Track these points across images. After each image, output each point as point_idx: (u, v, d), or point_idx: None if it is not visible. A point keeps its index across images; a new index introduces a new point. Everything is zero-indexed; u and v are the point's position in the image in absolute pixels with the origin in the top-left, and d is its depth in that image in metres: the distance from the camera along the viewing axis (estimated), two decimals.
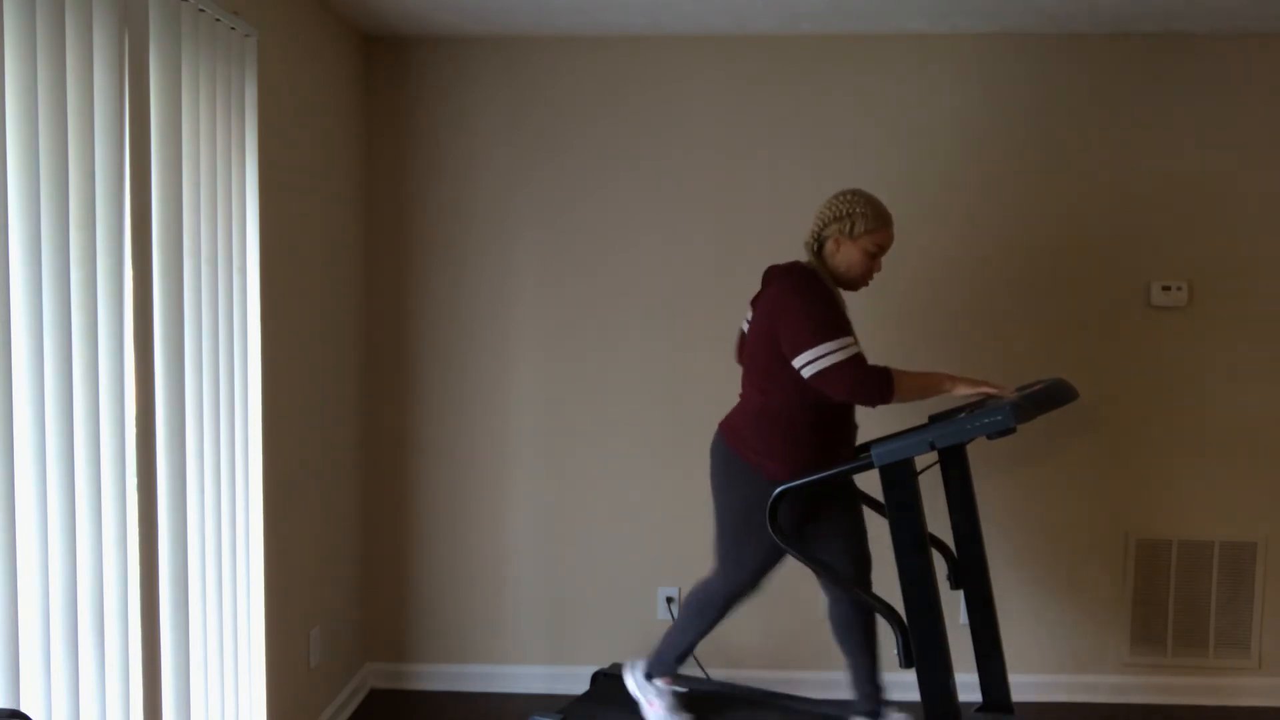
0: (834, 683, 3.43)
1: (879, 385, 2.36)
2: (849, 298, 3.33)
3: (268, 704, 2.68)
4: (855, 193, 2.51)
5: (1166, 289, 3.32)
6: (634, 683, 2.83)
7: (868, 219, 2.48)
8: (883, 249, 2.51)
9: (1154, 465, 3.37)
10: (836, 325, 2.40)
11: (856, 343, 2.41)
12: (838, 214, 2.50)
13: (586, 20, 3.18)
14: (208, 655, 2.37)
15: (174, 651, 2.19)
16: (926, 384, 2.40)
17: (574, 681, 3.47)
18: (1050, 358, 3.36)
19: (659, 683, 2.80)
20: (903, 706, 3.35)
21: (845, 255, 2.51)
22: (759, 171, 3.36)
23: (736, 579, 2.59)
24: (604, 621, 3.48)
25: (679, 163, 3.38)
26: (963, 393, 2.39)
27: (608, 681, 3.09)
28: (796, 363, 2.41)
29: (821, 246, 2.55)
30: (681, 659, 2.77)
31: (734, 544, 2.57)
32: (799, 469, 2.49)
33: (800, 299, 2.43)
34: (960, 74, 3.32)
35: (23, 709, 1.69)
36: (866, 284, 2.60)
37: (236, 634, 2.53)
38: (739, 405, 2.61)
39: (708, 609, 2.66)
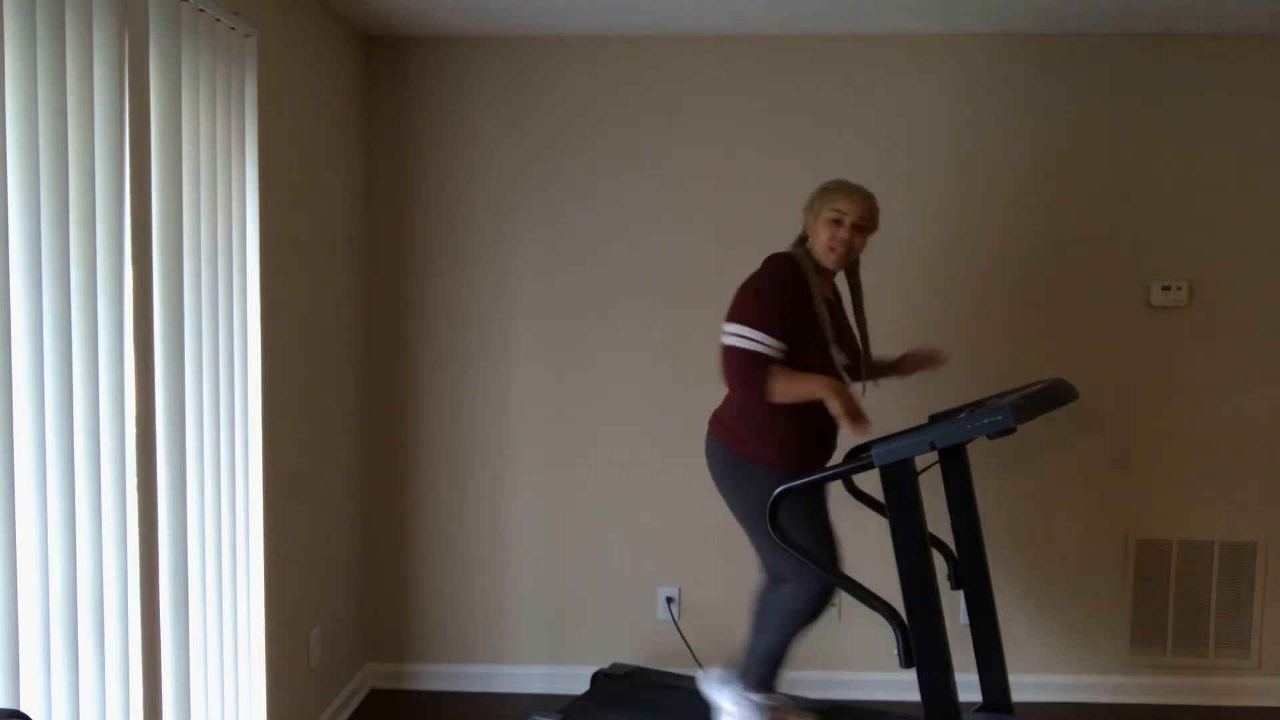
0: (834, 682, 3.43)
1: (756, 383, 2.41)
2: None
3: (268, 704, 2.68)
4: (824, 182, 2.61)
5: (1166, 289, 3.32)
6: (727, 698, 2.67)
7: (825, 191, 2.55)
8: (844, 214, 2.50)
9: (1154, 465, 3.37)
10: (762, 315, 2.43)
11: (772, 342, 2.40)
12: (808, 202, 2.59)
13: (586, 20, 3.18)
14: (208, 655, 2.37)
15: (174, 651, 2.18)
16: (804, 390, 2.40)
17: (574, 681, 3.47)
18: (1050, 358, 3.36)
19: (756, 696, 2.63)
20: (903, 706, 3.35)
21: (815, 235, 2.55)
22: (759, 171, 3.36)
23: (808, 581, 2.49)
24: (604, 621, 3.48)
25: (679, 162, 3.38)
26: (832, 409, 2.36)
27: (608, 681, 3.09)
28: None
29: (805, 240, 2.60)
30: (776, 668, 2.61)
31: (777, 549, 2.51)
32: (794, 452, 2.49)
33: (750, 280, 2.52)
34: (960, 74, 3.32)
35: (23, 709, 1.69)
36: (844, 258, 2.52)
37: (236, 634, 2.53)
38: (726, 396, 2.63)
39: (790, 618, 2.54)
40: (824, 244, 2.52)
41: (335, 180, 3.17)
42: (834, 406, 2.35)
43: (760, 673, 2.61)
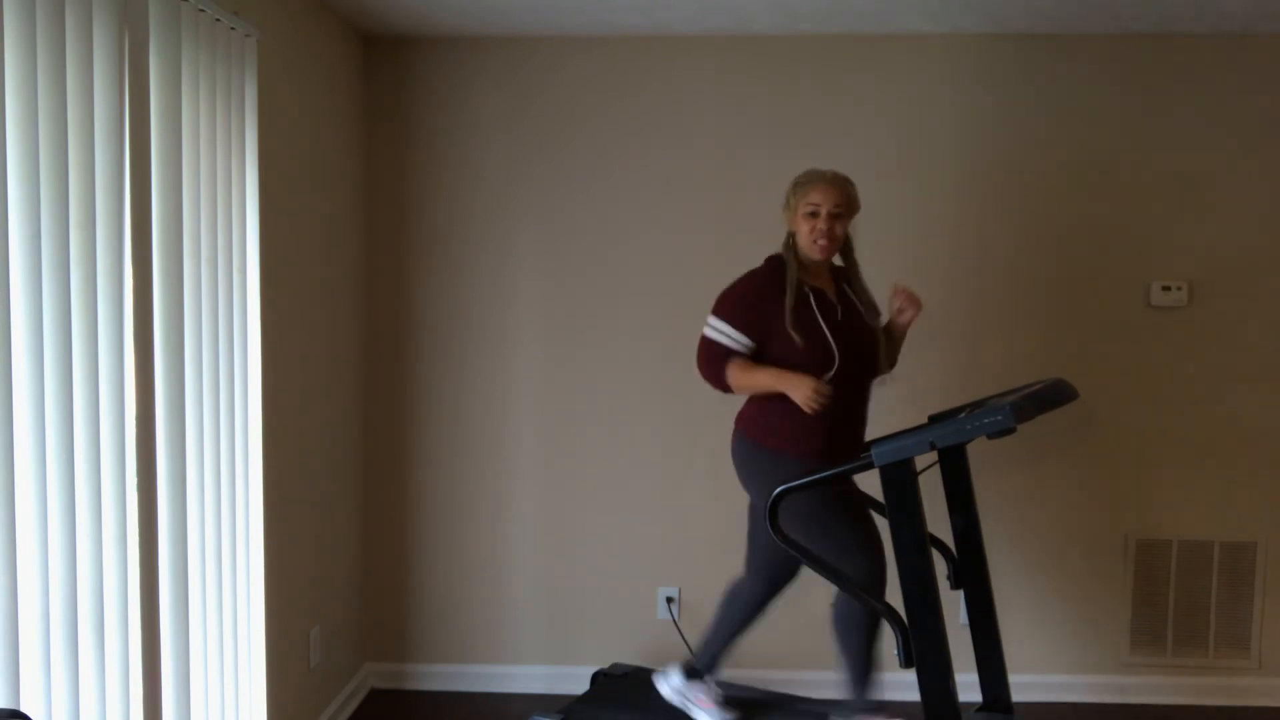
0: (835, 682, 3.42)
1: (715, 373, 2.54)
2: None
3: (268, 704, 2.68)
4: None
5: (1166, 289, 3.32)
6: (671, 687, 2.82)
7: (796, 186, 2.57)
8: (818, 205, 2.50)
9: (1154, 465, 3.37)
10: (732, 309, 2.53)
11: (736, 335, 2.50)
12: (783, 203, 2.62)
13: (586, 20, 3.18)
14: (208, 655, 2.37)
15: (174, 651, 2.18)
16: (758, 382, 2.50)
17: (574, 681, 3.47)
18: (1050, 358, 3.36)
19: (693, 684, 2.78)
20: (903, 706, 3.35)
21: (796, 231, 2.57)
22: (759, 170, 3.35)
23: (848, 563, 2.50)
24: (604, 621, 3.48)
25: (679, 162, 3.38)
26: (796, 398, 2.43)
27: (608, 681, 3.09)
28: None
29: (792, 239, 2.60)
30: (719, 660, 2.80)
31: (810, 538, 2.49)
32: (818, 448, 2.48)
33: (735, 281, 2.60)
34: (960, 74, 3.32)
35: (23, 709, 1.69)
36: (830, 248, 2.53)
37: (236, 634, 2.53)
38: (749, 397, 2.64)
39: (744, 611, 2.75)
40: (806, 238, 2.53)
41: (335, 180, 3.17)
42: (795, 396, 2.42)
43: (708, 661, 2.77)
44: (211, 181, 2.35)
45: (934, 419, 2.58)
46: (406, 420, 3.48)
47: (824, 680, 3.43)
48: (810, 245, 2.52)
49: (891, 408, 3.33)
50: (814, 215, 2.51)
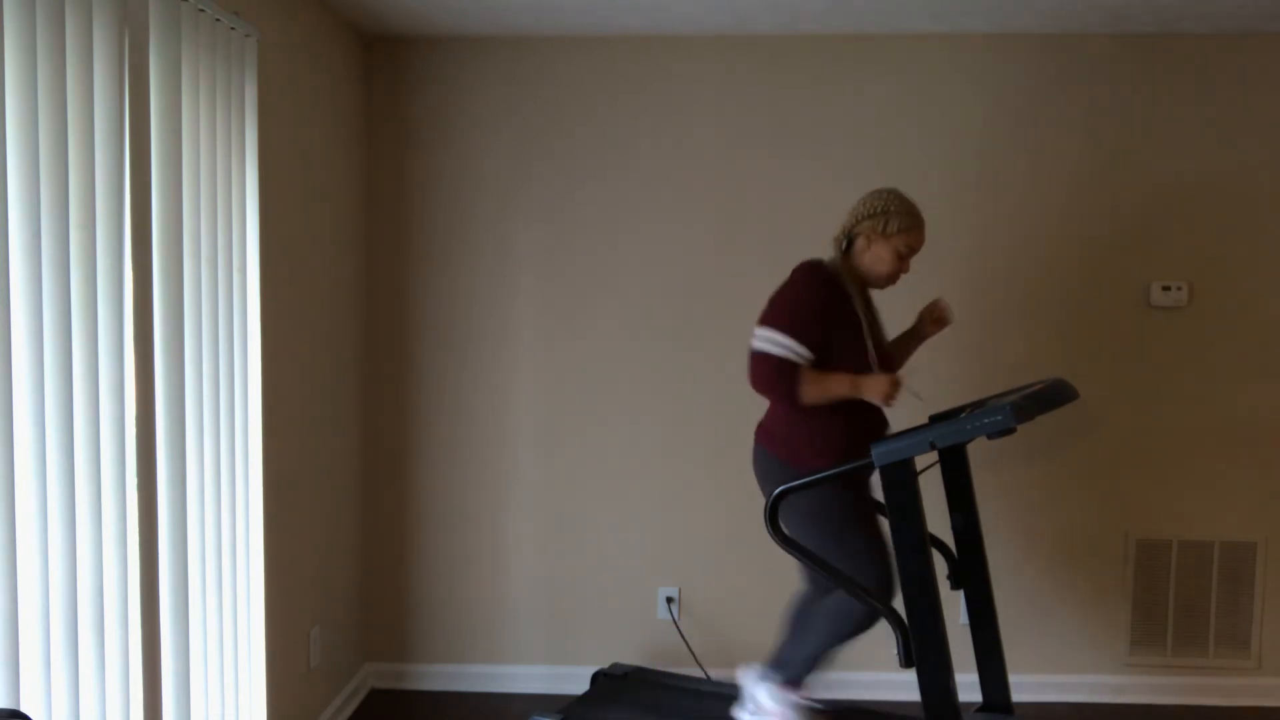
0: (835, 682, 3.43)
1: (784, 389, 2.41)
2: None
3: (268, 704, 2.68)
4: (891, 191, 2.52)
5: (1166, 289, 3.32)
6: (763, 692, 2.63)
7: (901, 218, 2.48)
8: (913, 250, 2.51)
9: (1154, 465, 3.37)
10: (794, 321, 2.43)
11: (800, 349, 2.41)
12: (872, 211, 2.50)
13: (586, 20, 3.18)
14: (208, 655, 2.37)
15: (174, 651, 2.19)
16: (831, 390, 2.41)
17: (574, 681, 3.47)
18: (1050, 358, 3.36)
19: (794, 694, 2.61)
20: (903, 707, 3.35)
21: (875, 253, 2.51)
22: (758, 169, 3.36)
23: (868, 585, 2.45)
24: (604, 621, 3.48)
25: (679, 161, 3.38)
26: (872, 400, 2.39)
27: (608, 681, 3.09)
28: None
29: (851, 243, 2.55)
30: (813, 670, 2.60)
31: (836, 558, 2.47)
32: (840, 459, 2.47)
33: (784, 286, 2.52)
34: (960, 74, 3.32)
35: (23, 709, 1.69)
36: (894, 282, 2.57)
37: (236, 634, 2.53)
38: (770, 407, 2.60)
39: (843, 622, 2.50)
40: (888, 272, 2.52)
41: (335, 180, 3.17)
42: (871, 397, 2.38)
43: (799, 672, 2.59)
44: (211, 181, 2.35)
45: (934, 419, 2.58)
46: (406, 420, 3.48)
47: (826, 680, 3.43)
48: (886, 278, 2.53)
49: (891, 408, 3.34)
50: (905, 257, 2.51)
